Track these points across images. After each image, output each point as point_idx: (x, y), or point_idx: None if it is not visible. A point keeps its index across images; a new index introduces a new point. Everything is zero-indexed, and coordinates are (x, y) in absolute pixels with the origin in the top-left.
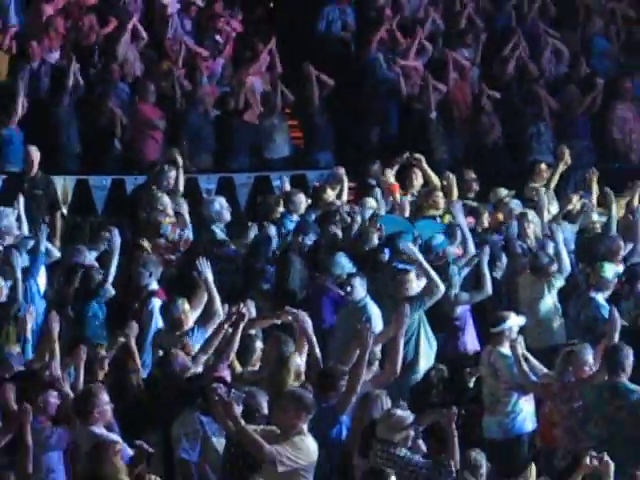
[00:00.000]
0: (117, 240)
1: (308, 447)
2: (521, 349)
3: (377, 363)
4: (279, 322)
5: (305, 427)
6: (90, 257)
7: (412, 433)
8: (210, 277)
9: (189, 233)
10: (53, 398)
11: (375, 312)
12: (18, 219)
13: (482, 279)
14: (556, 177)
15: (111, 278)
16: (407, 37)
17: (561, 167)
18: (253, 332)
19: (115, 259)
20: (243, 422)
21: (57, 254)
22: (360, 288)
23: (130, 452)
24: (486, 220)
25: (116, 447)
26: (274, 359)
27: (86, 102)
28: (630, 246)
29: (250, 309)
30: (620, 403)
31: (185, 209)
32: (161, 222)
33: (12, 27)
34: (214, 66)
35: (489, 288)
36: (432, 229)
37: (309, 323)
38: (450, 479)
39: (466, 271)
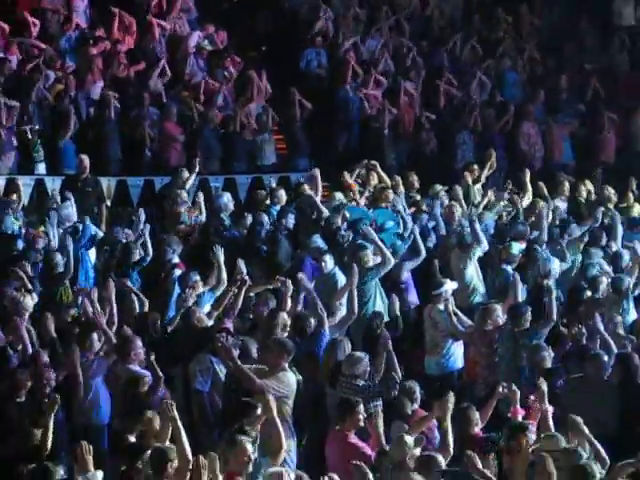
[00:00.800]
0: (143, 219)
1: (289, 380)
2: (452, 306)
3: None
4: (271, 287)
5: (286, 365)
6: (127, 236)
7: (368, 368)
8: (222, 256)
9: (203, 217)
10: (96, 339)
11: (341, 279)
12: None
13: (417, 247)
14: (484, 174)
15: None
16: (367, 73)
17: (488, 166)
18: (252, 295)
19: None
20: (239, 362)
21: (101, 234)
22: (330, 262)
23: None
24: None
25: (145, 379)
26: (265, 314)
27: (125, 121)
28: (536, 233)
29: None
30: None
31: (202, 199)
32: (180, 212)
33: (68, 66)
34: (221, 94)
35: (423, 252)
36: (385, 216)
37: (291, 288)
38: (394, 389)
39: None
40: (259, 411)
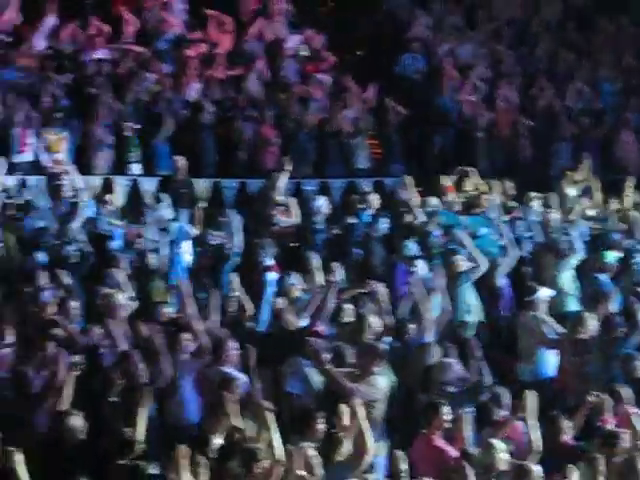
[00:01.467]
0: (237, 219)
1: (380, 384)
2: (545, 314)
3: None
4: (363, 292)
5: (378, 369)
6: (221, 238)
7: (459, 375)
8: (315, 260)
9: (296, 220)
10: (189, 339)
11: (433, 284)
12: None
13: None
14: (580, 182)
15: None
16: (464, 78)
17: (583, 174)
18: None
19: (238, 237)
20: (329, 366)
21: (195, 232)
22: (423, 267)
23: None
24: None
25: (239, 382)
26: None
27: (220, 123)
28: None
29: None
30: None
31: (294, 204)
32: (274, 215)
33: (165, 68)
34: (316, 98)
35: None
36: (479, 223)
37: (383, 292)
38: (484, 395)
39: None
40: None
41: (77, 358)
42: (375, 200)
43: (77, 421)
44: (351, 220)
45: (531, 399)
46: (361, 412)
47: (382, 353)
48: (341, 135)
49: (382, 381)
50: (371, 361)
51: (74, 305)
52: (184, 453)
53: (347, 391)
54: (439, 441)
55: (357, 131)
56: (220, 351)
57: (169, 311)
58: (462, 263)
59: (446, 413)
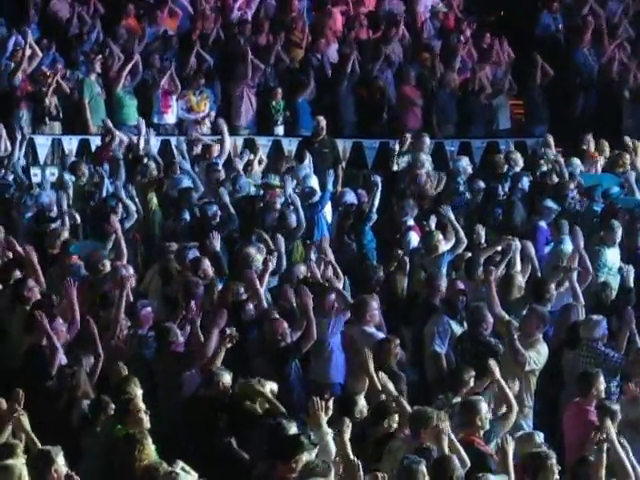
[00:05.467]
0: (379, 185)
1: (545, 352)
2: None
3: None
4: (500, 249)
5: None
6: (358, 197)
7: (606, 332)
8: (452, 216)
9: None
10: (331, 299)
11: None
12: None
13: None
14: None
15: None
16: (606, 37)
17: None
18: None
19: (376, 199)
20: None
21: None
22: (565, 227)
23: None
24: None
25: (394, 343)
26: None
27: (361, 82)
28: None
29: None
30: None
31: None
32: (417, 174)
33: (306, 28)
34: (459, 57)
35: None
36: (611, 181)
37: (519, 247)
38: None
39: None
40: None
41: (230, 331)
42: (519, 159)
43: (227, 379)
44: (493, 181)
45: None
46: (496, 372)
47: (548, 320)
48: (483, 95)
49: (545, 349)
50: (538, 327)
51: (207, 264)
52: (321, 406)
53: (519, 358)
54: (594, 415)
55: (499, 91)
56: (363, 310)
57: (308, 270)
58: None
59: (602, 382)
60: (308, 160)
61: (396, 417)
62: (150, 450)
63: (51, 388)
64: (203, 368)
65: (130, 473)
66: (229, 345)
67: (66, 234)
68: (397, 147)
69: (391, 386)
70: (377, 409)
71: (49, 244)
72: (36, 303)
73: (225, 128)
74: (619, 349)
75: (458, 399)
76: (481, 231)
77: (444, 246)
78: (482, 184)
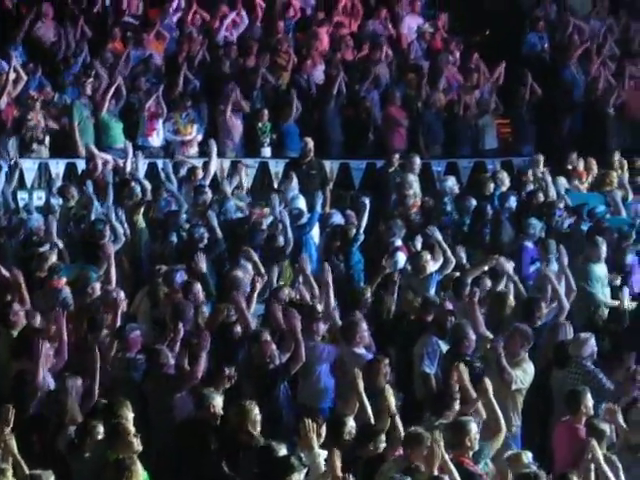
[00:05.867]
0: (366, 206)
1: (531, 371)
2: None
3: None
4: (486, 268)
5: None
6: (346, 218)
7: (595, 349)
8: (440, 236)
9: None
10: (322, 325)
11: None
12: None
13: None
14: None
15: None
16: (592, 55)
17: None
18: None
19: (364, 220)
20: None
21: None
22: (552, 247)
23: None
24: None
25: (383, 362)
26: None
27: (348, 103)
28: None
29: None
30: None
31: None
32: (406, 195)
33: (289, 47)
34: (444, 78)
35: None
36: (597, 200)
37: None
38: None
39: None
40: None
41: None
42: (505, 178)
43: (219, 401)
44: (480, 201)
45: None
46: (489, 391)
47: (531, 338)
48: (469, 115)
49: (532, 368)
50: (522, 346)
51: (198, 288)
52: (312, 428)
53: (506, 377)
54: (583, 432)
55: (485, 111)
56: (353, 332)
57: (293, 293)
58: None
59: (590, 399)
60: (295, 182)
61: (383, 438)
62: (138, 477)
63: (38, 414)
64: (193, 391)
65: None
66: (227, 386)
67: (54, 258)
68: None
69: (393, 402)
70: (362, 431)
71: (37, 268)
72: (28, 329)
73: (214, 149)
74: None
75: (443, 421)
76: (461, 252)
77: (432, 266)
78: (474, 202)
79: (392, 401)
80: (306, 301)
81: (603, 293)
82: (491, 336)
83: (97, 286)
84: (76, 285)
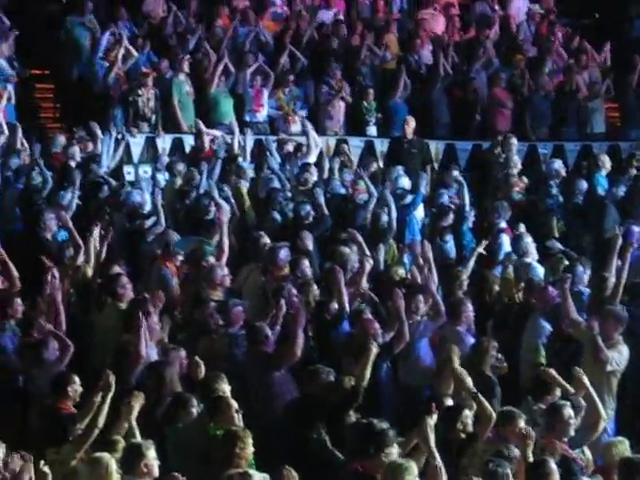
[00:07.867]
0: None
1: (626, 354)
2: None
3: None
4: None
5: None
6: (451, 200)
7: None
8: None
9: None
10: (422, 301)
11: None
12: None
13: None
14: None
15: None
16: None
17: None
18: None
19: (466, 197)
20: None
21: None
22: None
23: None
24: None
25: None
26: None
27: (455, 84)
28: None
29: None
30: None
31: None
32: (510, 174)
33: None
34: (551, 60)
35: None
36: None
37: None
38: None
39: None
40: None
41: None
42: (607, 161)
43: (331, 377)
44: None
45: None
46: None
47: (625, 320)
48: (579, 97)
49: (626, 350)
50: (616, 328)
51: (306, 264)
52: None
53: (602, 356)
54: None
55: (596, 94)
56: (459, 311)
57: (402, 272)
58: None
59: None
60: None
61: (469, 414)
62: (250, 449)
63: (140, 384)
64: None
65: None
66: None
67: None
68: None
69: (469, 382)
70: (447, 413)
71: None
72: (134, 302)
73: (310, 127)
74: None
75: (542, 405)
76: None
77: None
78: (584, 185)
79: (469, 380)
80: (417, 282)
81: None
82: (583, 321)
83: (212, 259)
84: (192, 257)
